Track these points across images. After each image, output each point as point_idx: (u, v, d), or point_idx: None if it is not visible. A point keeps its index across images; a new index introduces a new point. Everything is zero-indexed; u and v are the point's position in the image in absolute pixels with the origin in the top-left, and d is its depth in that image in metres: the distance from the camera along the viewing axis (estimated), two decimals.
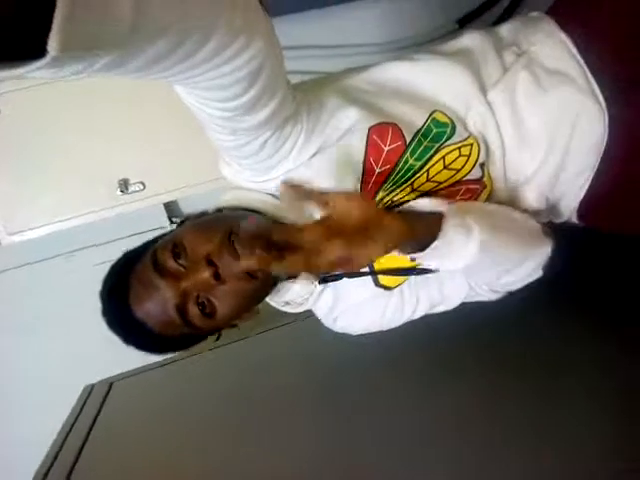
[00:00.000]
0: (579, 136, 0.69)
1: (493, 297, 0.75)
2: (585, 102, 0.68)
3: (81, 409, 1.12)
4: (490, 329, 1.02)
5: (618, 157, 0.70)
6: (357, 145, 0.63)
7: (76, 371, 1.26)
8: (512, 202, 0.73)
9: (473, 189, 0.69)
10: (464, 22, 1.44)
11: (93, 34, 0.28)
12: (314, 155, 0.62)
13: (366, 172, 0.65)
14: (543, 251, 0.68)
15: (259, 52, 0.44)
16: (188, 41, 0.36)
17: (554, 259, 0.69)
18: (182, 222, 0.71)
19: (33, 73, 0.27)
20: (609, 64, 0.68)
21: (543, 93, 0.68)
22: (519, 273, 0.68)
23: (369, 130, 0.63)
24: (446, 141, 0.66)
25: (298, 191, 0.63)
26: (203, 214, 0.70)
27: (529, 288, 0.73)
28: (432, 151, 0.66)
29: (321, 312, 0.77)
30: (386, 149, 0.64)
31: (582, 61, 0.69)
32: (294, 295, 0.72)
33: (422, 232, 0.59)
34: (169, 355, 0.79)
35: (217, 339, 1.09)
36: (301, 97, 0.60)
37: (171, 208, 1.54)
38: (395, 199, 0.68)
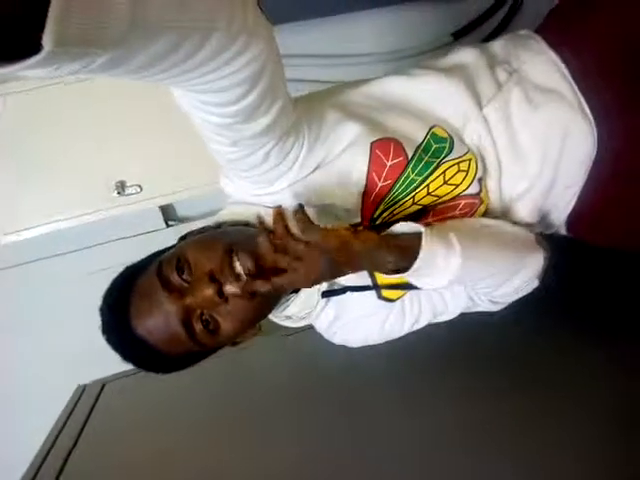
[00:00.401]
0: (570, 149, 0.71)
1: (494, 308, 0.76)
2: (575, 117, 0.70)
3: (72, 409, 1.12)
4: (487, 338, 1.03)
5: (604, 176, 0.72)
6: (360, 160, 0.64)
7: (69, 371, 1.26)
8: (507, 216, 0.74)
9: (471, 203, 0.70)
10: (459, 35, 1.47)
11: (89, 30, 0.28)
12: (316, 169, 0.63)
13: (368, 186, 0.65)
14: (537, 260, 0.69)
15: (259, 55, 0.43)
16: (187, 41, 0.36)
17: (549, 269, 0.70)
18: (183, 237, 0.70)
19: (31, 71, 0.27)
20: (597, 86, 0.70)
21: (534, 109, 0.70)
22: (515, 283, 0.69)
23: (372, 145, 0.64)
24: (446, 157, 0.67)
25: (285, 221, 0.63)
26: (204, 230, 0.70)
27: (523, 300, 0.74)
28: (433, 167, 0.66)
29: (321, 326, 0.77)
30: (389, 164, 0.64)
31: (571, 78, 0.71)
32: (295, 310, 0.72)
33: (402, 251, 0.60)
34: None
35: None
36: (301, 110, 0.60)
37: (167, 211, 1.54)
38: (396, 212, 0.69)
